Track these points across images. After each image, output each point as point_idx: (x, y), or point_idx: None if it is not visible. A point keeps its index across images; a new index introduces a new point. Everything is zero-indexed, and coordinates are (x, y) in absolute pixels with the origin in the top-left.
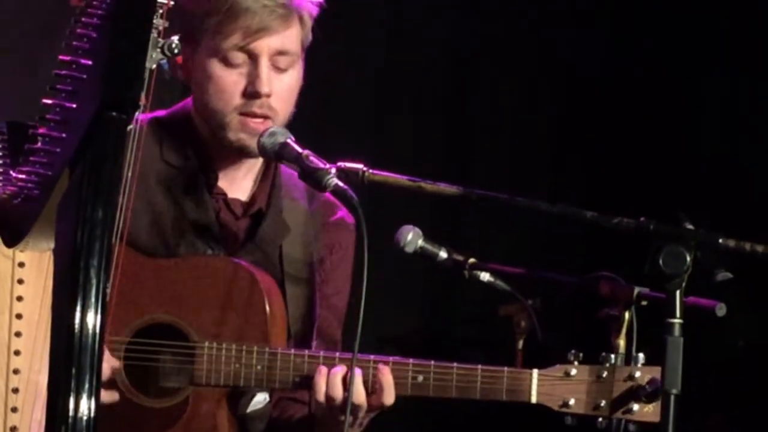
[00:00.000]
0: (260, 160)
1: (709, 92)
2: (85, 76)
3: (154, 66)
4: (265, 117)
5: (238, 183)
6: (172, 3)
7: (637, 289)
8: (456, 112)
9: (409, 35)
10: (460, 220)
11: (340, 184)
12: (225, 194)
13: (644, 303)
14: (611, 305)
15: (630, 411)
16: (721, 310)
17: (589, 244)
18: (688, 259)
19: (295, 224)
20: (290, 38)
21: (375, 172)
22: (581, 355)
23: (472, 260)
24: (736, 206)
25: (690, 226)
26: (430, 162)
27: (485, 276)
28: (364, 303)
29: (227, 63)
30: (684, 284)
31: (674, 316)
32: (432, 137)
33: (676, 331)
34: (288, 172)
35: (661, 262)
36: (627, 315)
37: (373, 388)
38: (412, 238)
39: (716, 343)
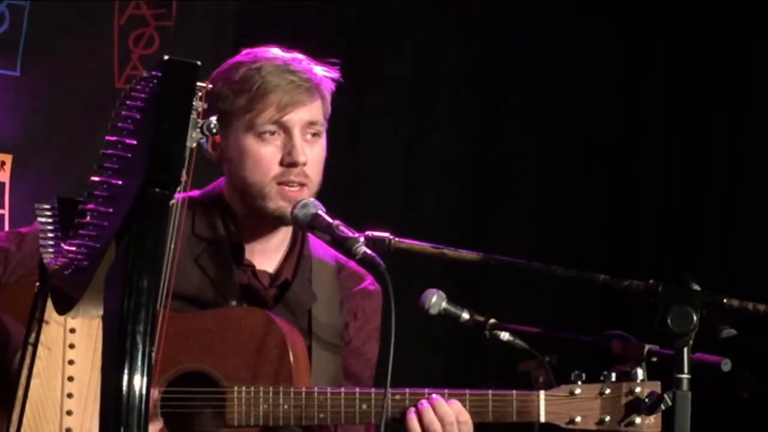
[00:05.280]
0: (289, 235)
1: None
2: (130, 155)
3: (194, 145)
4: (302, 185)
5: (267, 256)
6: (210, 86)
7: (647, 347)
8: (476, 182)
9: (432, 108)
10: (481, 283)
11: (369, 251)
12: (253, 266)
13: (654, 359)
14: (623, 362)
15: (633, 423)
16: (726, 365)
17: (601, 305)
18: (695, 318)
19: (324, 292)
20: (316, 110)
21: (401, 240)
22: (584, 375)
23: (492, 321)
24: (739, 267)
25: (696, 287)
26: (452, 229)
27: (505, 335)
28: (392, 360)
29: (262, 137)
30: (691, 341)
31: (682, 372)
32: (454, 206)
33: (685, 385)
34: (318, 245)
35: (669, 321)
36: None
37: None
38: (436, 300)
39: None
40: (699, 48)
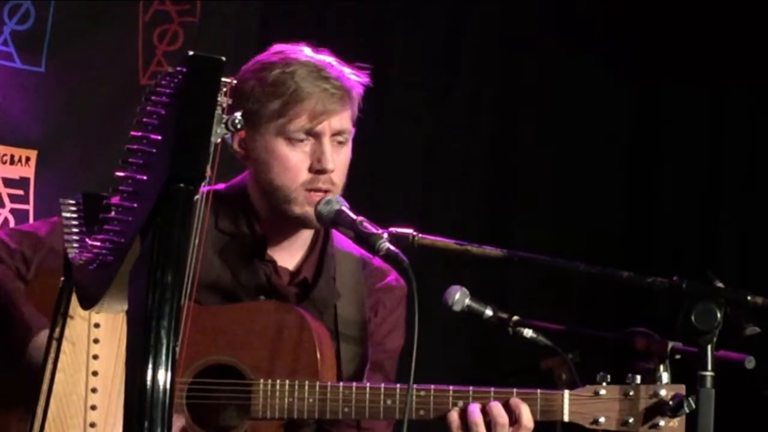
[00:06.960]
0: (311, 233)
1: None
2: (154, 150)
3: (219, 140)
4: (327, 191)
5: (290, 253)
6: (235, 82)
7: (670, 344)
8: (497, 179)
9: (453, 108)
10: (504, 280)
11: (392, 247)
12: (275, 262)
13: (678, 357)
14: (646, 359)
15: (656, 426)
16: (750, 362)
17: (623, 301)
18: (719, 315)
19: (349, 287)
20: (346, 117)
21: (424, 236)
22: (609, 376)
23: (515, 318)
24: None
25: (720, 284)
26: (470, 227)
27: (528, 332)
28: (415, 356)
29: (292, 142)
30: (715, 339)
31: (706, 369)
32: (471, 205)
33: (708, 383)
34: (343, 241)
35: (693, 318)
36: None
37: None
38: (459, 297)
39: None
40: (712, 48)
